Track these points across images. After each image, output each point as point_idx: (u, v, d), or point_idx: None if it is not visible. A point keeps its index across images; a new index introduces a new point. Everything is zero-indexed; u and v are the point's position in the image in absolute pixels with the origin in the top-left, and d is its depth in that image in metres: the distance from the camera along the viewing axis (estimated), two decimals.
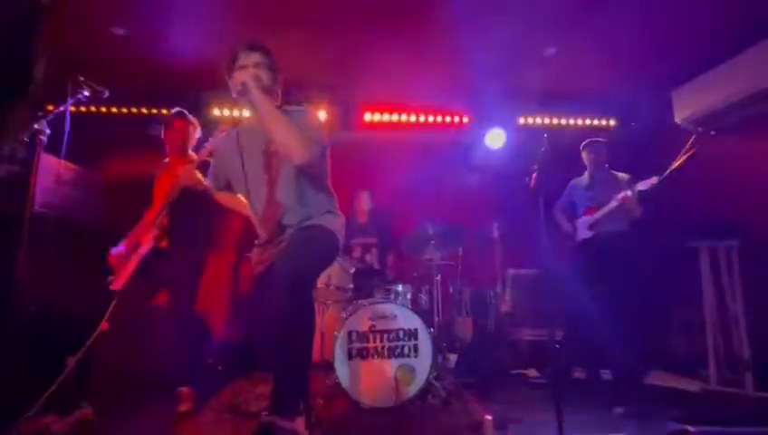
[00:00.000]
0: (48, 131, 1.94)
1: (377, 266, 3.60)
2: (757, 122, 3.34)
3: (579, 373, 3.13)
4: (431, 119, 4.37)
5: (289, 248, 1.60)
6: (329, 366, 2.46)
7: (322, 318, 3.01)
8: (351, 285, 2.98)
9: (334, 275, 2.98)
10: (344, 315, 2.56)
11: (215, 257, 2.64)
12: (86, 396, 2.14)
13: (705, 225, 3.26)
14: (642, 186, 3.02)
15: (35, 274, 1.93)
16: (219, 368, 3.35)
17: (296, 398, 1.38)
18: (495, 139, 4.03)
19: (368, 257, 3.60)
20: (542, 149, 2.10)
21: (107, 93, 2.09)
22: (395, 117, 4.33)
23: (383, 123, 4.35)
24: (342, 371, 2.35)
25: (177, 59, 3.35)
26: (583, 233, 3.29)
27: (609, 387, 2.91)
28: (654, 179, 2.98)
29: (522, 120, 4.41)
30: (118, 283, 2.25)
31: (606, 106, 4.39)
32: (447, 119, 4.38)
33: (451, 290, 3.72)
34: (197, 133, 2.61)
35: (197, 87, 3.82)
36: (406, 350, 2.43)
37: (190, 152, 2.56)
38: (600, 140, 3.35)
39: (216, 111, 3.95)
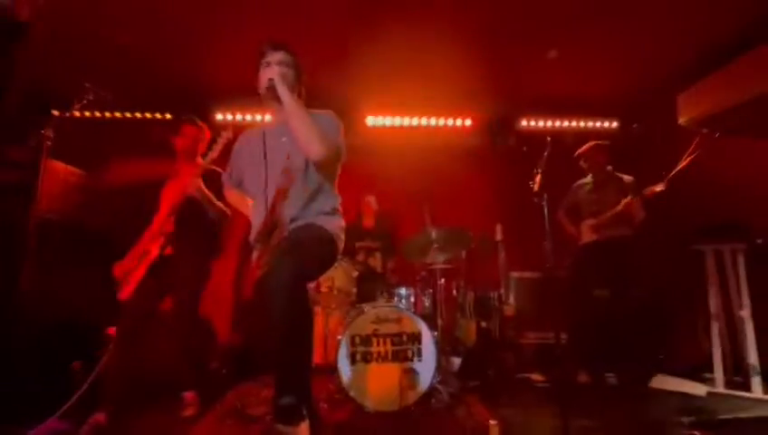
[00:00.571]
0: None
1: (380, 270, 3.60)
2: (762, 124, 3.32)
3: (584, 377, 3.11)
4: (433, 122, 4.37)
5: (284, 249, 1.59)
6: (332, 370, 2.45)
7: (326, 322, 3.01)
8: (355, 289, 2.99)
9: (338, 279, 2.99)
10: (347, 319, 2.56)
11: (219, 263, 2.64)
12: (99, 402, 2.15)
13: (710, 227, 3.24)
14: (648, 192, 3.01)
15: (41, 279, 1.95)
16: (223, 372, 3.35)
17: (299, 402, 1.38)
18: None
19: (371, 261, 3.60)
20: (546, 153, 2.09)
21: (110, 96, 2.11)
22: (397, 120, 4.34)
23: (386, 127, 4.36)
24: (346, 375, 2.35)
25: (182, 65, 3.38)
26: (587, 236, 3.28)
27: (614, 391, 2.90)
28: (660, 186, 2.97)
29: (524, 123, 4.41)
30: (125, 292, 2.26)
31: (608, 107, 4.38)
32: (450, 121, 4.38)
33: (454, 293, 3.71)
34: (206, 139, 2.62)
35: (203, 91, 3.84)
36: (409, 353, 2.43)
37: (198, 158, 2.57)
38: (595, 143, 3.34)
39: (220, 116, 3.97)
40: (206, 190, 2.32)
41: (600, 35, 3.14)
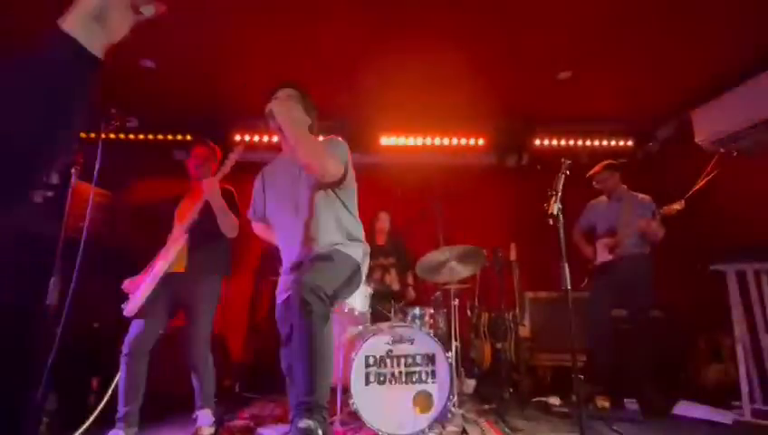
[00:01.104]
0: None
1: (396, 287, 3.59)
2: None
3: (603, 402, 3.02)
4: (446, 141, 4.41)
5: (309, 267, 1.64)
6: (345, 390, 2.44)
7: (339, 341, 3.00)
8: (369, 309, 2.98)
9: (352, 298, 2.99)
10: (361, 339, 2.56)
11: (234, 282, 2.67)
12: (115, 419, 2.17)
13: (731, 247, 3.16)
14: (666, 210, 2.97)
15: (66, 295, 2.00)
16: (237, 390, 3.36)
17: (317, 424, 1.38)
18: None
19: (387, 279, 3.60)
20: (560, 174, 2.10)
21: (135, 123, 2.20)
22: (411, 140, 4.39)
23: (399, 147, 4.41)
24: (359, 397, 2.32)
25: (201, 88, 3.50)
26: (603, 256, 3.23)
27: (635, 417, 2.80)
28: (679, 204, 2.93)
29: (537, 142, 4.41)
30: (129, 308, 2.28)
31: (623, 126, 4.36)
32: (463, 141, 4.42)
33: (468, 313, 3.67)
34: (218, 158, 2.69)
35: (220, 113, 3.96)
36: (423, 375, 2.40)
37: (211, 177, 2.63)
38: (605, 164, 3.32)
39: (237, 137, 4.08)
40: (222, 200, 2.35)
41: (615, 53, 3.16)
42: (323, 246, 1.74)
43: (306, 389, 1.44)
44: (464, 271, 3.02)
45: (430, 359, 2.42)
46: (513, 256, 3.81)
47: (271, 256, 3.37)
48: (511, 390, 3.22)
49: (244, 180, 2.36)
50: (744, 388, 2.87)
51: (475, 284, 3.64)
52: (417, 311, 2.92)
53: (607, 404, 3.00)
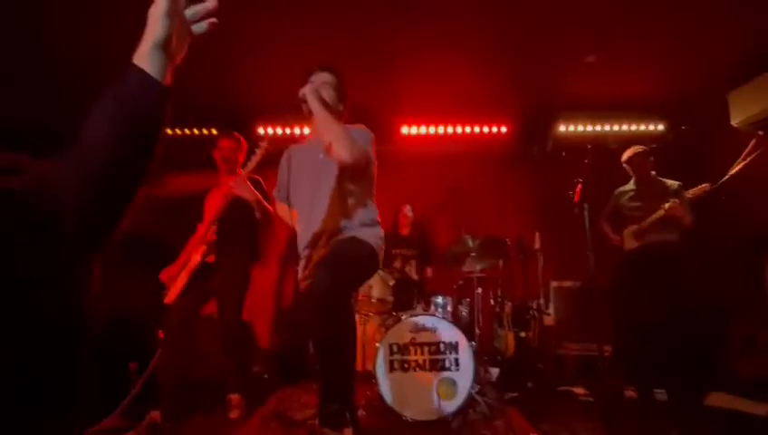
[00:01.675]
0: None
1: (416, 277, 3.62)
2: None
3: (631, 392, 2.98)
4: (468, 130, 4.36)
5: (326, 262, 1.68)
6: (370, 377, 2.49)
7: (363, 329, 3.06)
8: (392, 297, 3.02)
9: (375, 287, 3.03)
10: (385, 327, 2.60)
11: (260, 270, 2.76)
12: (154, 401, 2.29)
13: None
14: (692, 193, 2.86)
15: (104, 285, 2.12)
16: (265, 376, 3.47)
17: (344, 408, 1.43)
18: None
19: (408, 268, 3.63)
20: (586, 161, 2.05)
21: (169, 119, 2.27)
22: (432, 129, 4.36)
23: (420, 135, 4.39)
24: (384, 383, 2.37)
25: (225, 83, 3.57)
26: (630, 244, 3.15)
27: (664, 408, 2.75)
28: (705, 186, 2.81)
29: (562, 128, 4.30)
30: (170, 296, 2.41)
31: (654, 109, 4.20)
32: (486, 129, 4.35)
33: (492, 302, 3.67)
34: (245, 149, 2.75)
35: (244, 107, 4.03)
36: (447, 363, 2.42)
37: (239, 168, 2.71)
38: (641, 149, 3.20)
39: (261, 130, 4.15)
40: (255, 191, 2.42)
41: (644, 34, 3.03)
42: (340, 230, 1.79)
43: (333, 375, 1.49)
44: (487, 260, 3.01)
45: (454, 347, 2.44)
46: (537, 244, 3.76)
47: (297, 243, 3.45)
48: (535, 379, 3.20)
49: (270, 175, 2.41)
50: None
51: (498, 273, 3.62)
52: (440, 300, 2.94)
53: (635, 395, 2.95)
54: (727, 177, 2.95)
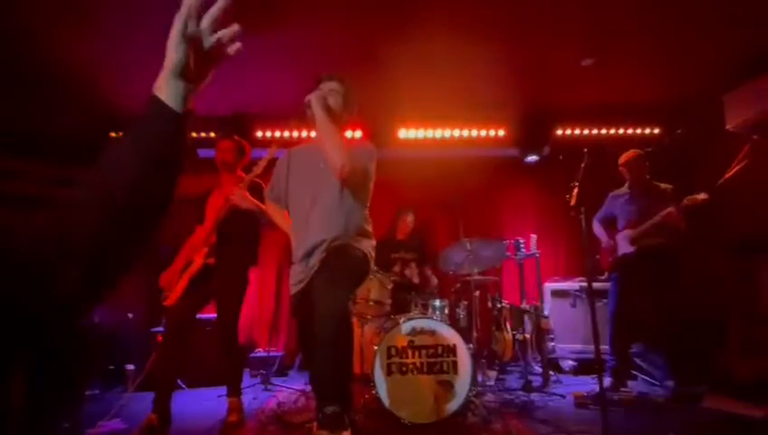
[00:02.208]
0: None
1: (416, 280, 3.63)
2: None
3: (627, 393, 2.99)
4: (466, 133, 4.37)
5: (323, 267, 1.72)
6: (368, 380, 2.49)
7: (361, 332, 3.06)
8: (390, 301, 3.02)
9: (373, 290, 3.04)
10: (383, 330, 2.60)
11: (258, 273, 2.76)
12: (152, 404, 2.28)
13: (764, 236, 3.06)
14: (689, 201, 2.88)
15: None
16: (264, 379, 3.46)
17: (342, 411, 1.44)
18: None
19: (407, 272, 3.64)
20: (583, 164, 2.07)
21: None
22: (429, 133, 4.37)
23: (418, 139, 4.40)
24: (381, 386, 2.38)
25: (223, 89, 3.57)
26: (624, 248, 3.17)
27: (660, 409, 2.77)
28: (702, 195, 2.83)
29: (559, 131, 4.33)
30: (170, 299, 2.41)
31: (650, 113, 4.23)
32: (483, 133, 4.37)
33: (489, 305, 3.68)
34: (246, 153, 2.75)
35: (243, 111, 4.03)
36: (444, 366, 2.43)
37: (240, 172, 2.71)
38: (637, 153, 3.23)
39: (259, 133, 4.15)
40: (255, 201, 2.41)
41: (640, 37, 3.06)
42: (335, 239, 1.81)
43: (331, 378, 1.50)
44: (484, 263, 3.02)
45: (451, 350, 2.44)
46: (534, 247, 3.77)
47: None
48: (532, 381, 3.21)
49: (270, 178, 2.40)
50: None
51: (495, 276, 3.64)
52: (437, 302, 2.95)
53: (632, 394, 2.97)
54: (722, 181, 2.97)
